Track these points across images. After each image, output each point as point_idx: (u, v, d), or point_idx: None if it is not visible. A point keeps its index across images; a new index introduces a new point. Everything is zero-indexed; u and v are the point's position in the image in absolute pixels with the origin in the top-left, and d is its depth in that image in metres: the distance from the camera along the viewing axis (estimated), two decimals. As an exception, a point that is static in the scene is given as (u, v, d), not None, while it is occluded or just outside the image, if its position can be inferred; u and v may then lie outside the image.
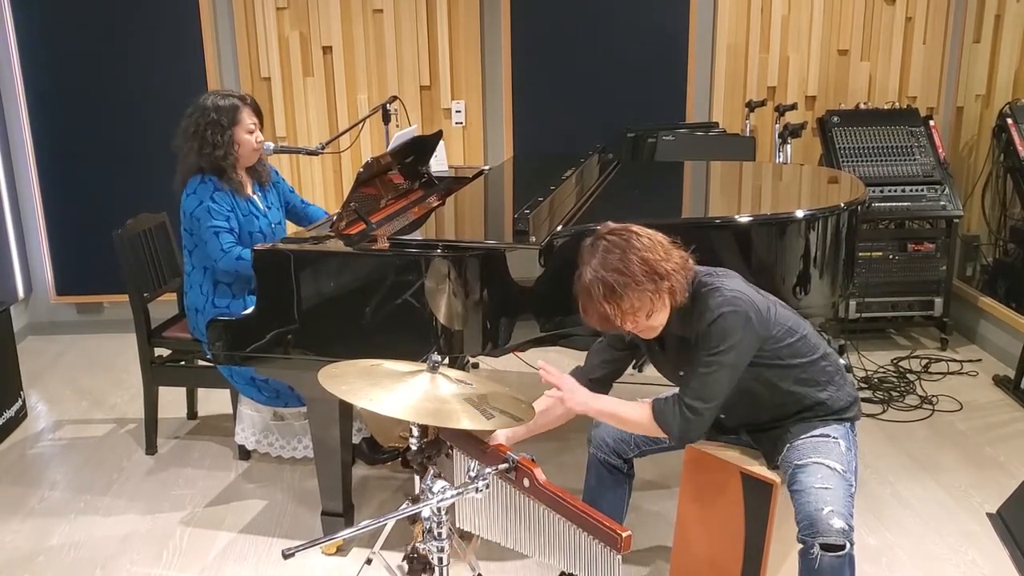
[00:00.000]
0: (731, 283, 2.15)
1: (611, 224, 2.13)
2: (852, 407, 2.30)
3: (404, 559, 2.23)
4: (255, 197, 3.16)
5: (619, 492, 2.49)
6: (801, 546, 2.08)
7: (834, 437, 2.22)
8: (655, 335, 2.18)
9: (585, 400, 2.21)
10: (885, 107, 4.65)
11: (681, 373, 2.24)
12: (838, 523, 2.03)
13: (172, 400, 3.78)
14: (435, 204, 3.31)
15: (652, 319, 2.11)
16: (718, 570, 2.37)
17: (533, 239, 2.60)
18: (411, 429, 2.03)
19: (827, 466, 2.14)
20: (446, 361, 2.06)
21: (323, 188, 4.89)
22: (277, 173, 3.33)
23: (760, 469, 2.29)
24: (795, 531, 2.10)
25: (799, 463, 2.17)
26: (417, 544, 2.13)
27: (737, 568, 2.34)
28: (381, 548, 2.36)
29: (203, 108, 3.02)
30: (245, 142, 3.06)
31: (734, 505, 2.32)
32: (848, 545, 2.04)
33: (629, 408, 2.20)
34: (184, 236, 3.12)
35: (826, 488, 2.09)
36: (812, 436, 2.21)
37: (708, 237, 2.74)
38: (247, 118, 3.05)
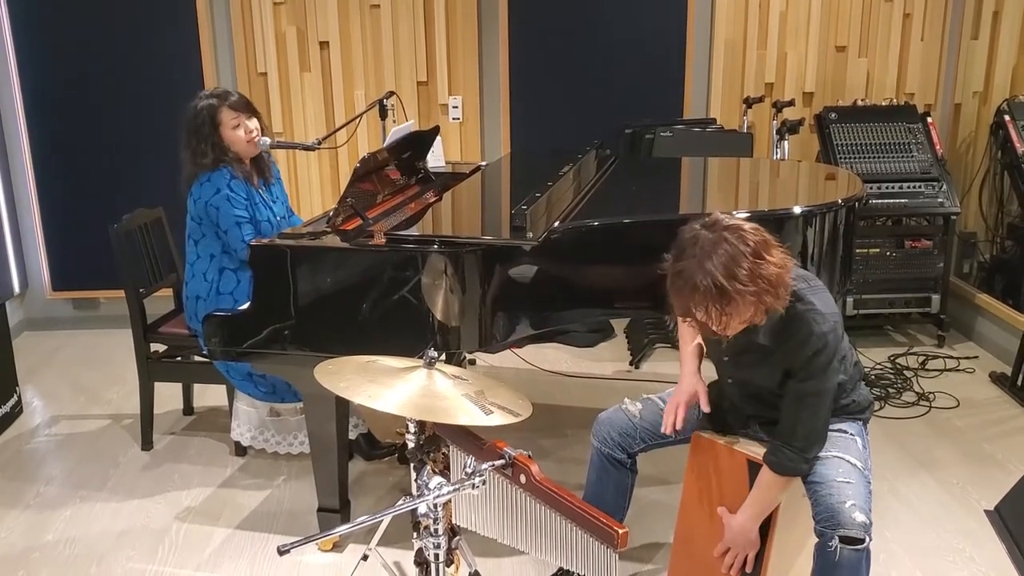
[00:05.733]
0: (824, 299, 2.10)
1: (725, 219, 2.00)
2: (868, 409, 2.33)
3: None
4: (260, 191, 3.15)
5: (622, 487, 2.47)
6: (817, 540, 2.07)
7: (851, 434, 2.24)
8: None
9: (748, 520, 2.22)
10: (883, 104, 4.64)
11: (726, 358, 2.23)
12: (860, 517, 2.03)
13: (168, 395, 3.77)
14: (432, 200, 3.30)
15: (741, 325, 2.05)
16: (720, 562, 2.36)
17: (530, 235, 2.59)
18: (407, 425, 2.03)
19: (848, 461, 2.15)
20: (443, 357, 2.05)
21: (320, 183, 4.88)
22: (279, 173, 3.32)
23: None
24: (801, 535, 2.09)
25: (818, 455, 2.16)
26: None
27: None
28: (378, 544, 2.36)
29: (186, 119, 3.04)
30: (233, 139, 3.04)
31: (739, 494, 2.29)
32: (867, 539, 2.04)
33: (769, 488, 2.18)
34: (190, 225, 3.09)
35: (848, 482, 2.09)
36: (830, 431, 2.20)
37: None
38: (227, 117, 3.02)
